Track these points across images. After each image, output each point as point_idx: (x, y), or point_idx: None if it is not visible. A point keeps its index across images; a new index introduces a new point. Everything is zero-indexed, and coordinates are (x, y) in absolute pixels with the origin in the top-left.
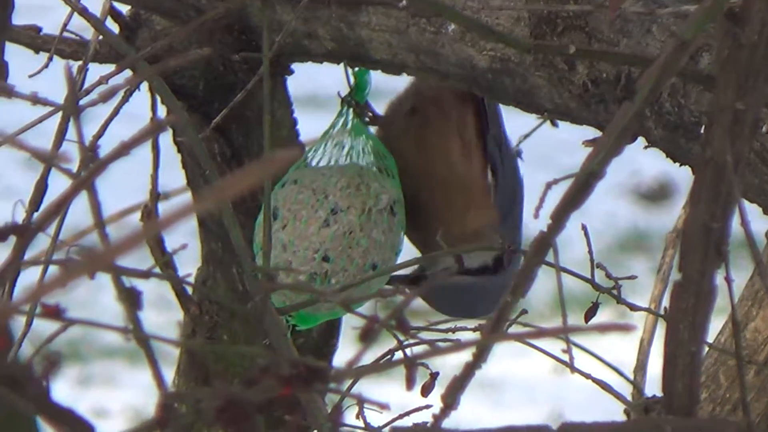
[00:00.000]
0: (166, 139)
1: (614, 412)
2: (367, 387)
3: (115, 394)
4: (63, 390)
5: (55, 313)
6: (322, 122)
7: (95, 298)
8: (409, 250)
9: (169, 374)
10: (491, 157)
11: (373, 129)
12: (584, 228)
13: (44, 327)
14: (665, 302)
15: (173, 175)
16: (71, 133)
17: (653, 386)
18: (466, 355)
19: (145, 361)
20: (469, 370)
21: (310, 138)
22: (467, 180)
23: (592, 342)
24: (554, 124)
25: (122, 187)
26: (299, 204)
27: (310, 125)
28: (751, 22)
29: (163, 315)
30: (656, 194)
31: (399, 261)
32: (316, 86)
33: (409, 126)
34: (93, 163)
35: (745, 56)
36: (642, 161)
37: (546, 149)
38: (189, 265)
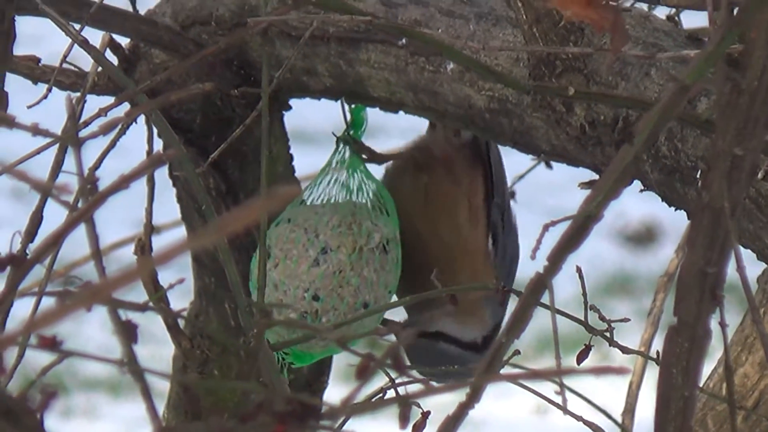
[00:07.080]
0: (160, 171)
1: None
2: (357, 425)
3: (96, 426)
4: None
5: (51, 344)
6: (309, 158)
7: (79, 329)
8: None
9: (159, 408)
10: (493, 226)
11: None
12: (579, 270)
13: (33, 357)
14: (656, 345)
15: (166, 208)
16: (67, 164)
17: (641, 430)
18: (454, 395)
19: (127, 394)
20: (463, 409)
21: (301, 174)
22: (471, 245)
23: (576, 383)
24: (549, 166)
25: (111, 219)
26: (291, 243)
27: (297, 160)
28: (751, 68)
29: (147, 348)
30: (642, 237)
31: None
32: (302, 121)
33: (416, 183)
34: (92, 195)
35: (744, 102)
36: (628, 203)
37: (531, 190)
38: (178, 298)
